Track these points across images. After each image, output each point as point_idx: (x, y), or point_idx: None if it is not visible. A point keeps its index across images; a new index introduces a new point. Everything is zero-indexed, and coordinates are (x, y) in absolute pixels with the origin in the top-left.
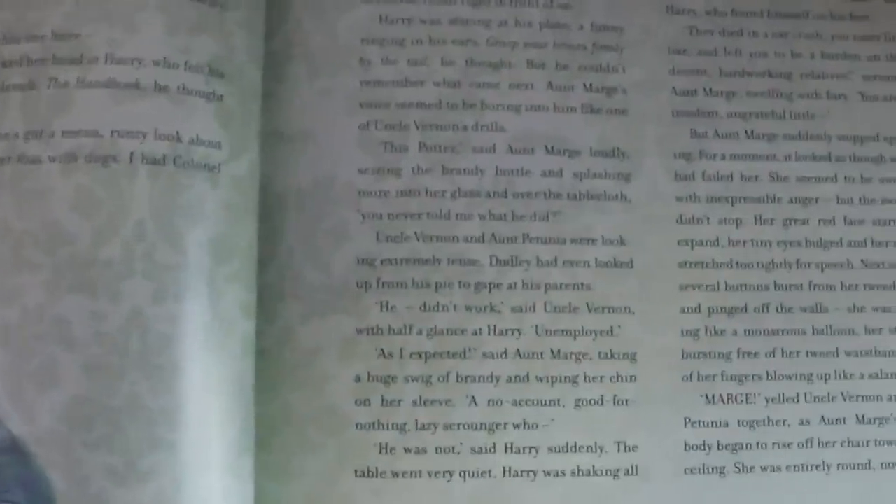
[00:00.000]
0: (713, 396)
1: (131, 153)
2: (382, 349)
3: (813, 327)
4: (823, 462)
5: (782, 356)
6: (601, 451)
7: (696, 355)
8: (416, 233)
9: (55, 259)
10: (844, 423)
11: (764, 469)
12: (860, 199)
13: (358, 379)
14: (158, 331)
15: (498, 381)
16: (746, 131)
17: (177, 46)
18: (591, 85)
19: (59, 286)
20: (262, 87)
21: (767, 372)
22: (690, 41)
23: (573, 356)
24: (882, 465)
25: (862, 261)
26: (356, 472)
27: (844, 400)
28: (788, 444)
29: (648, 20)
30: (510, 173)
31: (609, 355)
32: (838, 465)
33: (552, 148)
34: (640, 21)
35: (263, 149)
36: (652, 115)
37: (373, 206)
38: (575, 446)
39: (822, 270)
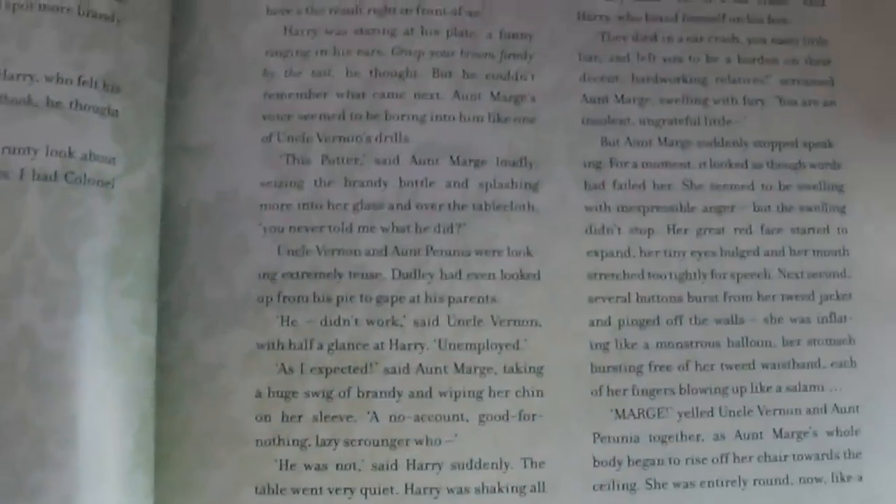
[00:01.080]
0: (623, 411)
1: (21, 170)
2: (283, 364)
3: (728, 339)
4: (739, 477)
5: (696, 369)
6: (507, 467)
7: (606, 369)
8: (317, 246)
9: None
10: (761, 437)
11: (677, 485)
12: (777, 207)
13: (259, 394)
14: (49, 347)
15: (400, 396)
16: (659, 138)
17: (70, 62)
18: (498, 93)
19: None
20: (168, 101)
21: (680, 385)
22: (602, 47)
23: (478, 370)
24: (800, 479)
25: (779, 270)
26: (256, 488)
27: (761, 413)
28: (703, 460)
29: (558, 27)
30: (414, 184)
31: (515, 369)
32: (755, 480)
33: (457, 158)
34: (549, 28)
35: (167, 163)
36: (561, 124)
37: (274, 219)
38: (479, 462)
39: (738, 281)
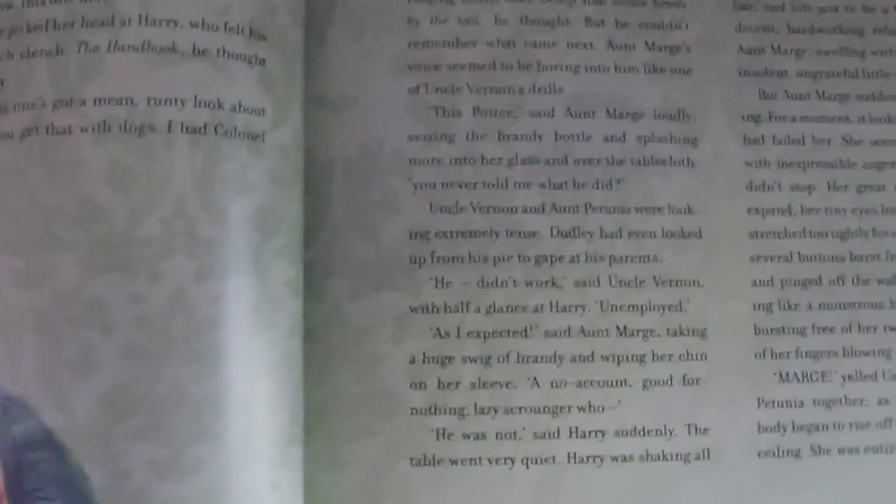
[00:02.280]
0: (787, 374)
1: (169, 122)
2: (438, 328)
3: (891, 300)
4: None
5: (859, 331)
6: (671, 434)
7: (769, 331)
8: (471, 203)
9: (89, 237)
10: None
11: (841, 451)
12: None
13: (412, 360)
14: (203, 312)
15: (561, 360)
16: (817, 92)
17: (215, 6)
18: (653, 43)
19: (95, 266)
20: (304, 50)
21: (844, 348)
22: None
23: (640, 333)
24: None
25: None
26: (412, 459)
27: None
28: (866, 425)
29: None
30: (570, 138)
31: (678, 332)
32: None
33: (614, 111)
34: None
35: (306, 116)
36: (718, 75)
37: (425, 175)
38: (643, 429)
39: None
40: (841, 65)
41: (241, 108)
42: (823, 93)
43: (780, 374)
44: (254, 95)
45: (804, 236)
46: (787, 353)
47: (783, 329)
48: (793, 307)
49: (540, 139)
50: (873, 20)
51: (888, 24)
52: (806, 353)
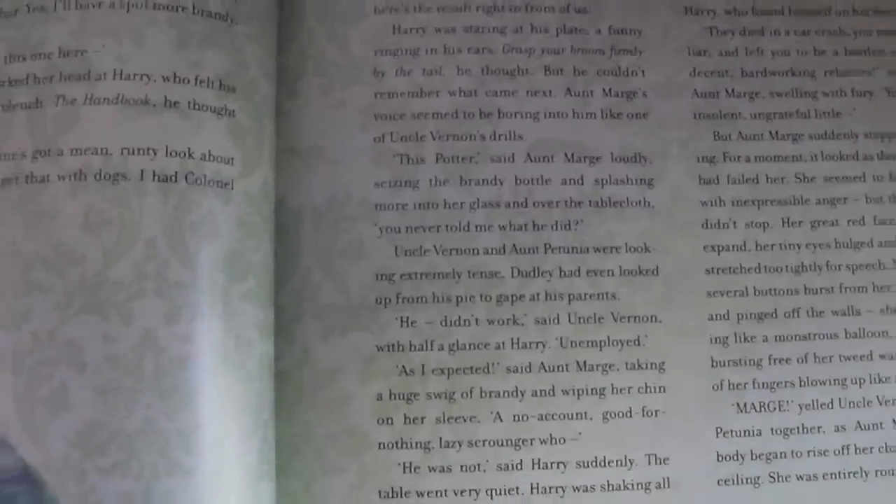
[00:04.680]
0: (745, 405)
1: (142, 171)
2: (403, 366)
3: (846, 330)
4: (861, 469)
5: (815, 361)
6: (631, 464)
7: (726, 363)
8: (434, 246)
9: (65, 281)
10: (881, 427)
11: (800, 478)
12: (890, 198)
13: (379, 397)
14: (173, 351)
15: (523, 395)
16: (771, 132)
17: (186, 61)
18: (610, 89)
19: (70, 308)
20: (276, 103)
21: (800, 378)
22: (710, 42)
23: (599, 368)
24: None
25: (894, 260)
26: (380, 493)
27: (880, 404)
28: (824, 452)
29: (667, 21)
30: (529, 182)
31: (637, 366)
32: (876, 471)
33: (572, 155)
34: (658, 23)
35: (278, 166)
36: (673, 119)
37: (390, 219)
38: (604, 461)
39: (853, 272)
40: (794, 106)
41: (211, 157)
42: (777, 133)
43: (738, 405)
44: (223, 145)
45: (759, 271)
46: (745, 384)
47: (740, 361)
48: (749, 339)
49: (501, 183)
50: (824, 62)
51: (838, 67)
52: (763, 383)
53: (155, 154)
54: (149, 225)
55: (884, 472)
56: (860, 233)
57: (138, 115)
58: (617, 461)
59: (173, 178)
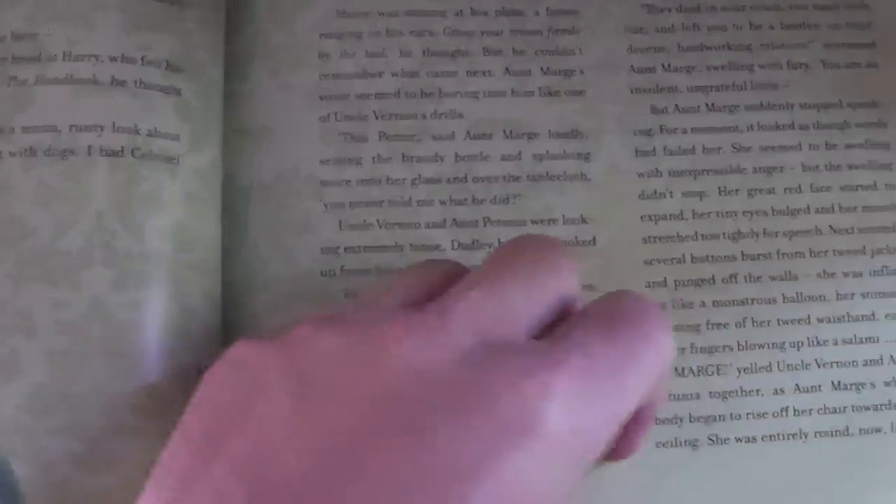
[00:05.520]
0: (683, 369)
1: (89, 146)
2: None
3: (783, 295)
4: (800, 430)
5: (753, 325)
6: None
7: None
8: (378, 220)
9: (17, 252)
10: (819, 389)
11: (738, 440)
12: (826, 166)
13: None
14: (120, 318)
15: None
16: (707, 104)
17: (135, 43)
18: (548, 68)
19: (22, 278)
20: (226, 86)
21: (738, 342)
22: (648, 19)
23: None
24: (860, 430)
25: (830, 226)
26: None
27: (818, 367)
28: (763, 414)
29: (604, 2)
30: (469, 159)
31: None
32: (815, 432)
33: (510, 132)
34: (595, 3)
35: (229, 145)
36: (611, 95)
37: (335, 195)
38: None
39: (790, 238)
40: (730, 78)
41: (157, 133)
42: (713, 105)
43: (676, 369)
44: (170, 122)
45: (697, 239)
46: (683, 349)
47: (679, 327)
48: (687, 306)
49: (442, 160)
50: (760, 36)
51: (774, 40)
52: (701, 348)
53: (102, 130)
54: (98, 198)
55: (822, 434)
56: (797, 200)
57: (87, 93)
58: None
59: (121, 153)
